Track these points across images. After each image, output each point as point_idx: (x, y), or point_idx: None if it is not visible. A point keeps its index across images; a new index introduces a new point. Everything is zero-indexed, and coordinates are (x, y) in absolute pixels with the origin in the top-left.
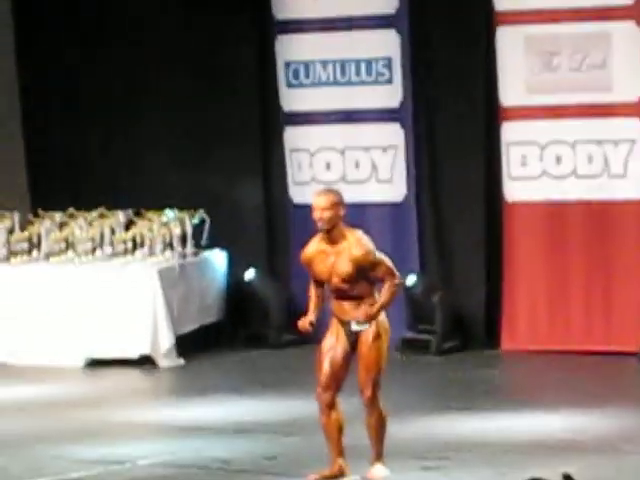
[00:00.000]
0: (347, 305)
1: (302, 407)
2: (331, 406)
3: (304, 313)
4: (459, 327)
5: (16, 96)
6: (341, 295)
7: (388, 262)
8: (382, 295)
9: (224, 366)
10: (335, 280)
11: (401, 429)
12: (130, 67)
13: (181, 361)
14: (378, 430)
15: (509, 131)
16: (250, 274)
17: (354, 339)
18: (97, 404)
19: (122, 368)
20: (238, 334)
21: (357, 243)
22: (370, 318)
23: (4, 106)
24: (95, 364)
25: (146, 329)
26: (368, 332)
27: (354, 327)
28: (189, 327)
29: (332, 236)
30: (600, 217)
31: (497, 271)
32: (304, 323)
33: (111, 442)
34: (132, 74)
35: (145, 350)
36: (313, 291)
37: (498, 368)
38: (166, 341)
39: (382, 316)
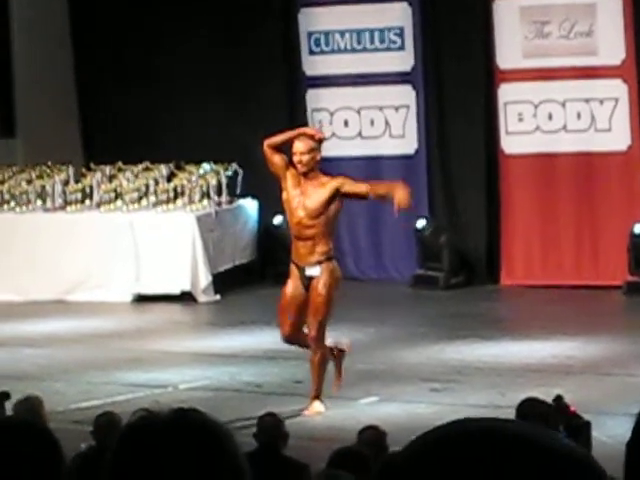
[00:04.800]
0: (303, 248)
1: (325, 336)
2: (293, 343)
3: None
4: (464, 265)
5: (70, 60)
6: (299, 234)
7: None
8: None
9: (255, 300)
10: (300, 215)
11: (412, 355)
12: (172, 36)
13: (217, 296)
14: (320, 368)
15: (506, 92)
16: (278, 219)
17: (309, 284)
18: (143, 335)
19: (165, 303)
20: (268, 272)
21: (332, 178)
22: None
23: (59, 74)
24: (141, 299)
25: (186, 268)
26: (319, 278)
27: (308, 272)
28: (224, 266)
29: (308, 177)
30: (587, 167)
31: (496, 215)
32: None
33: (155, 369)
34: (173, 43)
35: (185, 287)
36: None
37: (498, 301)
38: (204, 279)
39: (334, 264)
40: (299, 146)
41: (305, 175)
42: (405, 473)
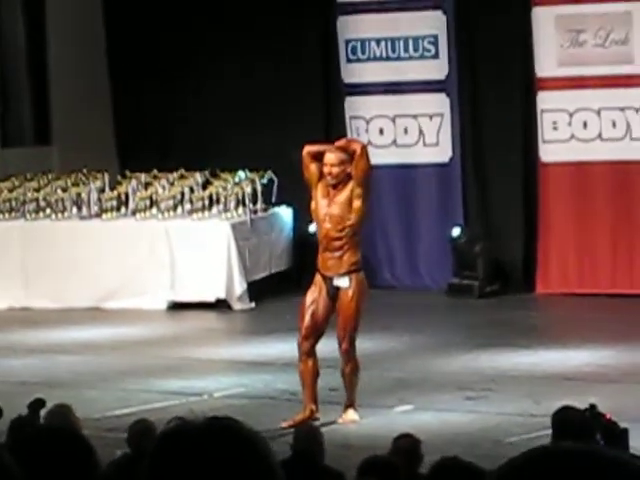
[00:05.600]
0: (331, 260)
1: (361, 344)
2: (310, 354)
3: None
4: (499, 273)
5: (105, 68)
6: (327, 246)
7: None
8: None
9: (290, 309)
10: (327, 227)
11: (447, 364)
12: (209, 45)
13: (252, 304)
14: (352, 378)
15: (542, 99)
16: (313, 227)
17: (335, 294)
18: (178, 343)
19: (200, 311)
20: (303, 280)
21: None
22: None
23: (94, 82)
24: (176, 307)
25: (221, 276)
26: (348, 290)
27: (336, 282)
28: (260, 274)
29: (337, 189)
30: (623, 175)
31: (532, 223)
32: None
33: (190, 376)
34: (211, 51)
35: (221, 295)
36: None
37: (533, 309)
38: (239, 287)
39: (361, 276)
40: (330, 157)
41: (334, 187)
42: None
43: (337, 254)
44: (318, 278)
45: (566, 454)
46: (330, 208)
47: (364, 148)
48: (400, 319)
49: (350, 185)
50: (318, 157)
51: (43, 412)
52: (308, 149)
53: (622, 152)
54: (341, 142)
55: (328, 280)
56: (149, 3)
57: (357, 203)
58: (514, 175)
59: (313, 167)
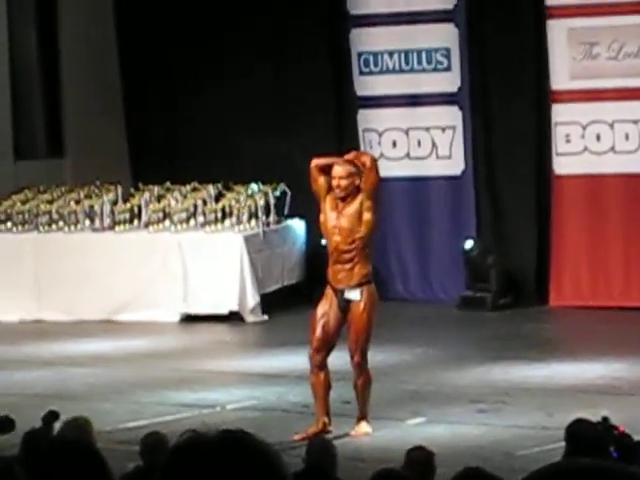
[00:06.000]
0: (341, 272)
1: (373, 356)
2: (321, 367)
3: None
4: (512, 286)
5: (118, 80)
6: (337, 259)
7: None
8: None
9: (303, 321)
10: (336, 240)
11: (460, 376)
12: (221, 57)
13: (265, 317)
14: (364, 391)
15: (556, 112)
16: (325, 235)
17: (345, 307)
18: (190, 355)
19: (213, 323)
20: (315, 293)
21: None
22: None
23: (107, 95)
24: (189, 319)
25: (234, 288)
26: (359, 303)
27: (347, 295)
28: (272, 287)
29: (346, 202)
30: (636, 188)
31: (545, 236)
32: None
33: (203, 389)
34: (223, 63)
35: (233, 307)
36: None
37: (546, 322)
38: (252, 299)
39: (372, 288)
40: (338, 170)
41: (343, 200)
42: None
43: (347, 266)
44: (328, 291)
45: (580, 471)
46: (339, 221)
47: (374, 161)
48: (413, 332)
49: (359, 198)
50: (326, 170)
51: (57, 425)
52: (316, 162)
53: (635, 165)
54: (350, 155)
55: (339, 293)
56: (162, 16)
57: (367, 216)
58: (526, 187)
59: (321, 180)
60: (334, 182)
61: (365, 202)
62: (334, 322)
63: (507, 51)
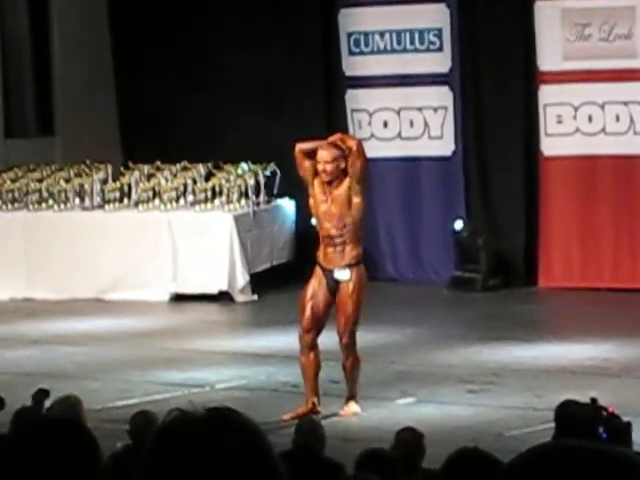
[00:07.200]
0: (332, 253)
1: (363, 337)
2: (311, 347)
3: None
4: (501, 267)
5: (109, 59)
6: (328, 242)
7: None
8: None
9: (293, 300)
10: (327, 226)
11: (450, 357)
12: (211, 37)
13: (255, 296)
14: (352, 371)
15: (546, 93)
16: (315, 220)
17: (335, 287)
18: (180, 335)
19: (202, 303)
20: (305, 272)
21: None
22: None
23: (98, 73)
24: (178, 299)
25: (224, 268)
26: (348, 284)
27: (337, 275)
28: (262, 266)
29: (333, 186)
30: (626, 169)
31: (535, 217)
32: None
33: (192, 368)
34: (213, 44)
35: (223, 287)
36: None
37: (535, 303)
38: (241, 279)
39: (362, 270)
40: (323, 155)
41: (330, 184)
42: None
43: (339, 248)
44: (318, 270)
45: (569, 452)
46: (329, 207)
47: (360, 145)
48: (402, 312)
49: (346, 181)
50: (311, 154)
51: (47, 403)
52: (300, 147)
53: (625, 146)
54: (334, 137)
55: (328, 273)
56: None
57: (356, 200)
58: (516, 168)
59: (307, 164)
60: (319, 167)
61: (354, 186)
62: (323, 302)
63: (497, 32)
